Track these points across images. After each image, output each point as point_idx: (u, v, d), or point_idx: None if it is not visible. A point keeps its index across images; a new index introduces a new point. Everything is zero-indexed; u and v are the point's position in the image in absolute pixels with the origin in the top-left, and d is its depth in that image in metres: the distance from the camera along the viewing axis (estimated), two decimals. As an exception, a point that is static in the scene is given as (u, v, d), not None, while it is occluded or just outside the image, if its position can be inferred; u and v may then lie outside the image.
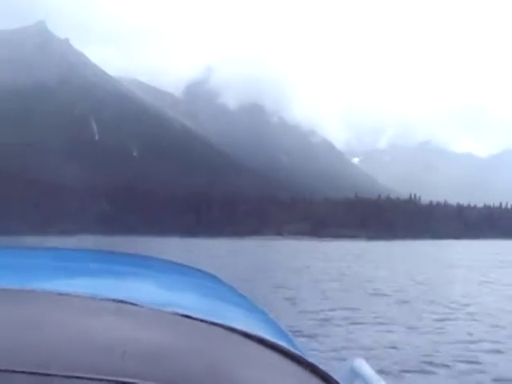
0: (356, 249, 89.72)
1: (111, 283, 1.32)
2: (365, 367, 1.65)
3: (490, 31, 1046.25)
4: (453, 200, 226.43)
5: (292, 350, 1.06)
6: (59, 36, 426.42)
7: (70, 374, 0.79)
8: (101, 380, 0.79)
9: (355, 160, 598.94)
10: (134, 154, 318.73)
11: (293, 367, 1.02)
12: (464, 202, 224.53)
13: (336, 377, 1.03)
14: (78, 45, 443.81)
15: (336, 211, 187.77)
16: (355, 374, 1.67)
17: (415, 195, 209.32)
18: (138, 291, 1.24)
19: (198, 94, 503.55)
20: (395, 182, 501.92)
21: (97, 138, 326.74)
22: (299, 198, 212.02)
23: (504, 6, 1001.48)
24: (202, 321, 1.02)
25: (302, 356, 1.06)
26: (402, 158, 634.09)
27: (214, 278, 1.68)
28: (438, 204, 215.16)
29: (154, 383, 0.81)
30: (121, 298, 1.03)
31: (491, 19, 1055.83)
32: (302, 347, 1.22)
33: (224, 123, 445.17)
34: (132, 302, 1.02)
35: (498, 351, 13.50)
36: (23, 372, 0.78)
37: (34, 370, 0.78)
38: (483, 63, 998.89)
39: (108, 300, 1.02)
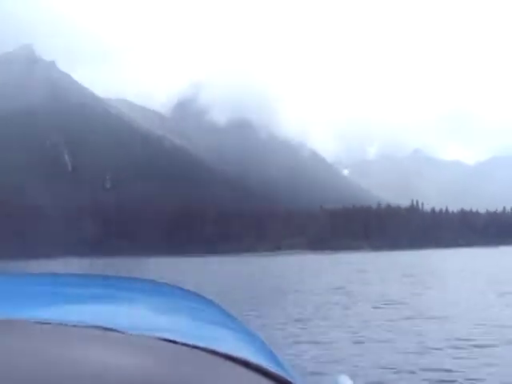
0: (369, 262, 76.29)
1: (96, 308, 1.24)
2: None
3: (476, 39, 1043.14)
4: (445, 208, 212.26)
5: (278, 372, 1.03)
6: (45, 59, 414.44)
7: None
8: None
9: (345, 172, 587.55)
10: (121, 173, 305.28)
11: None
12: (458, 209, 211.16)
13: None
14: (64, 67, 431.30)
15: (335, 222, 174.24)
16: None
17: (417, 202, 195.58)
18: (124, 316, 1.18)
19: (187, 111, 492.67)
20: (386, 191, 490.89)
21: (82, 159, 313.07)
22: (294, 210, 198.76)
23: (489, 13, 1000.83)
24: (188, 346, 0.99)
25: (288, 378, 1.04)
26: (392, 168, 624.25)
27: (205, 300, 1.60)
28: (441, 211, 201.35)
29: None
30: (106, 324, 0.99)
31: (476, 27, 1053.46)
32: (291, 369, 1.18)
33: (213, 140, 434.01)
34: (117, 328, 0.98)
35: None
36: None
37: None
38: (469, 71, 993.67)
39: (91, 327, 0.98)
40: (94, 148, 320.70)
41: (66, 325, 0.97)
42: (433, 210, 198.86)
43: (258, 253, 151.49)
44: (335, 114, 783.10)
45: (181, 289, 1.64)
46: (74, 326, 0.97)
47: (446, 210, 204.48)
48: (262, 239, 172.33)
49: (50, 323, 0.97)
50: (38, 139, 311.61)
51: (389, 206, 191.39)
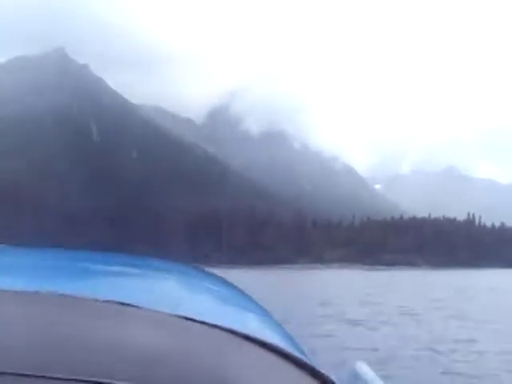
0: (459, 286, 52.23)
1: (113, 284, 1.23)
2: (367, 371, 1.57)
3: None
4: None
5: (294, 353, 1.00)
6: (78, 61, 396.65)
7: (69, 376, 0.75)
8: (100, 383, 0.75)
9: (377, 186, 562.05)
10: (153, 178, 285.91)
11: (294, 370, 0.96)
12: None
13: (338, 380, 1.00)
14: (97, 71, 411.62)
15: (383, 234, 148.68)
16: (357, 377, 1.58)
17: (473, 215, 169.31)
18: (140, 293, 1.16)
19: (220, 120, 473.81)
20: (419, 208, 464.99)
21: (112, 159, 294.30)
22: (336, 220, 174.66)
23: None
24: (203, 323, 0.96)
25: (304, 360, 1.00)
26: (424, 184, 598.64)
27: (219, 278, 1.56)
28: (500, 226, 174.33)
29: None
30: (123, 299, 0.97)
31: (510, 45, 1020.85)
32: (305, 350, 1.14)
33: (245, 149, 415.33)
34: (134, 303, 0.97)
35: None
36: (22, 374, 0.74)
37: (32, 373, 0.75)
38: (506, 89, 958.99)
39: (109, 302, 0.96)
40: (122, 151, 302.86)
41: (83, 298, 0.96)
42: (493, 225, 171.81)
43: (296, 265, 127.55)
44: (369, 128, 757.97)
45: (197, 267, 1.64)
46: (93, 300, 0.96)
47: (503, 225, 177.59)
48: (300, 250, 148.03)
49: (67, 296, 0.96)
50: (73, 138, 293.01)
51: (445, 218, 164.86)
